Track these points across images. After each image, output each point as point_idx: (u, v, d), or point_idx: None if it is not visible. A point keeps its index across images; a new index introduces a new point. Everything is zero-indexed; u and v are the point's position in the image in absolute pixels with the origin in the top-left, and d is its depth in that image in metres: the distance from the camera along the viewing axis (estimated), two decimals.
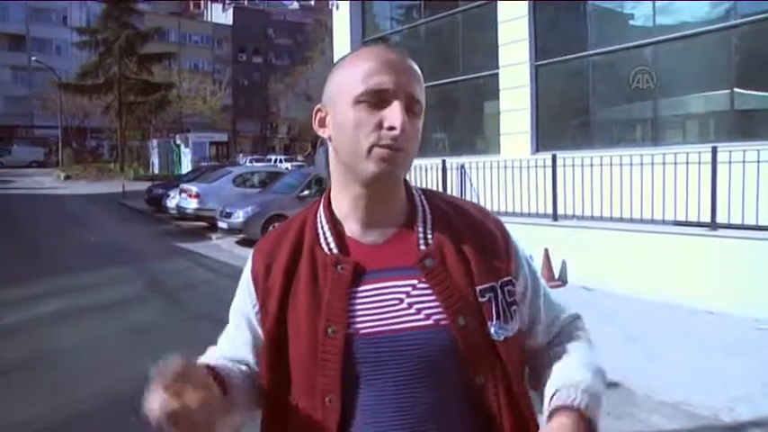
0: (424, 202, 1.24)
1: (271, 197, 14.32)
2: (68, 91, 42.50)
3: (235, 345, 1.26)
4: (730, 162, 7.22)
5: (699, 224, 7.54)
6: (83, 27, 45.32)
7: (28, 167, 49.89)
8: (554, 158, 9.12)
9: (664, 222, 7.92)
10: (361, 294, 1.12)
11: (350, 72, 1.14)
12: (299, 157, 45.27)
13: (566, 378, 1.15)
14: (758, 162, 6.97)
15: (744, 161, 7.09)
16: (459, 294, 1.12)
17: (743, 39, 9.01)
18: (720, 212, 7.31)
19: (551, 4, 11.59)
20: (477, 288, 1.14)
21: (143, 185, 24.65)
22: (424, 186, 1.32)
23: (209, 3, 73.57)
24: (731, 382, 4.87)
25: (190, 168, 28.96)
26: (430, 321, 1.10)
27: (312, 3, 76.01)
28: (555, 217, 9.14)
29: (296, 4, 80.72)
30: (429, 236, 1.18)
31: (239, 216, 13.51)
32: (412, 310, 1.11)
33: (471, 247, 1.18)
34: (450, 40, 13.89)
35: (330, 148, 1.19)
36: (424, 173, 11.09)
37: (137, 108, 40.92)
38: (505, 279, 1.18)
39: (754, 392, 4.66)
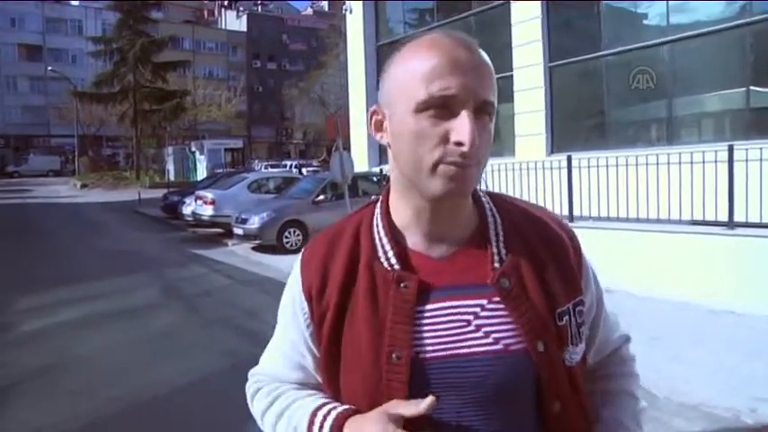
0: (494, 209, 1.12)
1: (286, 203, 14.35)
2: (84, 100, 43.02)
3: (295, 366, 1.15)
4: (747, 160, 7.15)
5: (716, 223, 7.46)
6: (98, 36, 45.71)
7: (45, 176, 50.56)
8: (569, 160, 9.07)
9: (681, 222, 7.86)
10: (426, 315, 1.02)
11: (409, 69, 0.99)
12: (315, 163, 45.36)
13: None
14: None
15: (761, 159, 7.02)
16: (539, 318, 1.02)
17: (758, 37, 8.94)
18: (738, 211, 7.24)
19: (564, 5, 11.56)
20: (557, 311, 1.05)
21: (159, 193, 24.80)
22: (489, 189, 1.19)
23: (223, 10, 74.30)
24: (753, 382, 4.81)
25: (205, 175, 29.06)
26: (499, 346, 1.01)
27: (326, 7, 76.45)
28: (571, 218, 9.09)
29: (310, 10, 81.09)
30: (503, 251, 1.07)
31: (255, 222, 13.54)
32: (480, 333, 1.01)
33: (548, 263, 1.08)
34: None
35: (389, 154, 1.08)
36: None
37: (152, 116, 41.25)
38: (577, 299, 1.09)
39: None
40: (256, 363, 1.26)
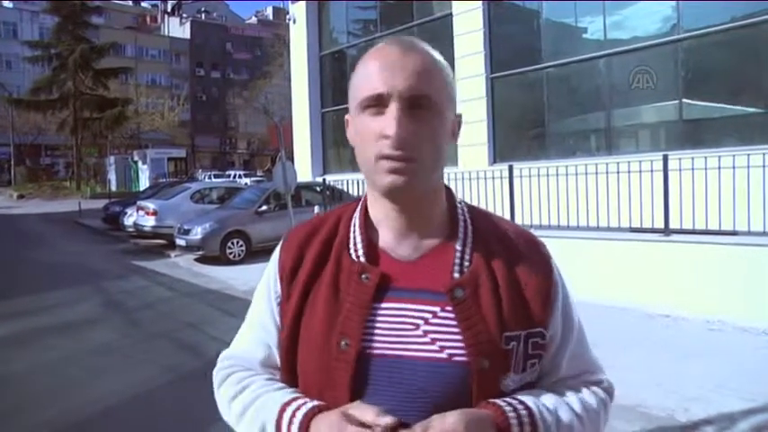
0: (468, 220, 1.13)
1: (229, 213, 14.18)
2: (21, 107, 41.41)
3: (264, 345, 1.17)
4: (680, 169, 7.41)
5: (653, 230, 7.70)
6: (35, 41, 44.32)
7: None
8: (510, 169, 9.22)
9: (619, 229, 8.07)
10: (381, 311, 1.04)
11: (357, 75, 1.08)
12: (260, 172, 44.96)
13: (535, 399, 1.05)
14: (705, 169, 7.17)
15: (692, 168, 7.29)
16: (487, 335, 1.02)
17: (688, 52, 9.31)
18: (673, 218, 7.49)
19: (507, 18, 11.79)
20: (505, 334, 1.03)
21: (100, 203, 24.23)
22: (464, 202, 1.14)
23: (166, 16, 73.08)
24: (685, 382, 4.98)
25: (147, 185, 28.58)
26: (443, 355, 1.01)
27: (270, 17, 76.04)
28: None
29: (254, 19, 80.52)
30: (466, 262, 1.07)
31: (197, 233, 13.32)
32: (426, 339, 1.02)
33: (509, 284, 1.06)
34: None
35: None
36: None
37: (93, 124, 40.16)
38: (534, 330, 1.06)
39: (707, 392, 4.79)
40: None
